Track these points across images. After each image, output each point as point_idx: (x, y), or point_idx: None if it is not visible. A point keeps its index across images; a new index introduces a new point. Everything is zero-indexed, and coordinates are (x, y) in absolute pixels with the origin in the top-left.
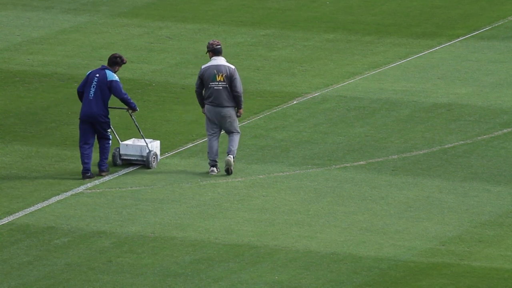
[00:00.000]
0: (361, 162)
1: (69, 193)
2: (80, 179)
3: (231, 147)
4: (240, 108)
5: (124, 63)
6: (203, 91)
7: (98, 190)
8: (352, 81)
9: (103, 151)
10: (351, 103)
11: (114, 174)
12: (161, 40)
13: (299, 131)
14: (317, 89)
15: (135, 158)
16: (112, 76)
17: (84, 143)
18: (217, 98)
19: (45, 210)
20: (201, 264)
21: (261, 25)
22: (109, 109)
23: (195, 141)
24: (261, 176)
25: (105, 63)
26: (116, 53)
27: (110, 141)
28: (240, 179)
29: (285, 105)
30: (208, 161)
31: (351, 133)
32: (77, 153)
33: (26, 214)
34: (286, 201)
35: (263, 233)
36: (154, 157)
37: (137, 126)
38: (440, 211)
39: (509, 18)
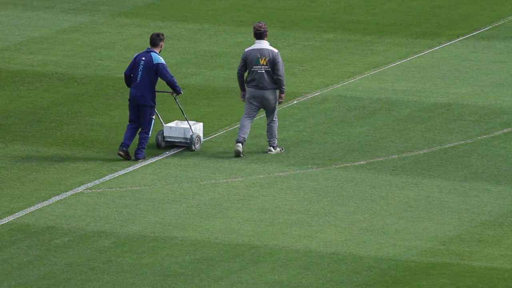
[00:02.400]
0: (361, 162)
1: (69, 193)
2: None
3: (270, 138)
4: (282, 93)
5: (164, 38)
6: (245, 74)
7: (98, 190)
8: (352, 81)
9: (141, 140)
10: (351, 103)
11: (114, 173)
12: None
13: (299, 131)
14: (317, 88)
15: (179, 140)
16: (158, 59)
17: (130, 122)
18: (260, 82)
19: (45, 210)
20: (201, 264)
21: None
22: (156, 93)
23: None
24: (261, 176)
25: (105, 63)
26: (154, 32)
27: (150, 131)
28: (240, 178)
29: (285, 105)
30: (237, 136)
31: (351, 133)
32: (77, 153)
33: (26, 214)
34: (286, 201)
35: (263, 233)
36: (197, 139)
37: (180, 109)
38: (440, 211)
39: (509, 18)
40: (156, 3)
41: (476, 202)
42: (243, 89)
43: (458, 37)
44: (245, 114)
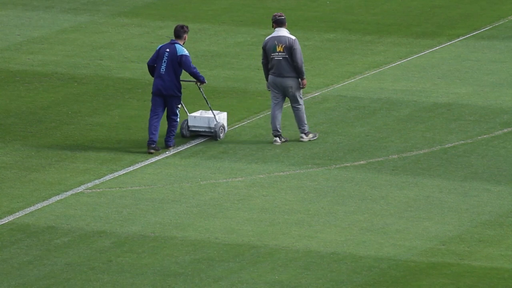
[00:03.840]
0: (361, 162)
1: (69, 193)
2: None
3: (299, 125)
4: (303, 79)
5: (189, 30)
6: (268, 63)
7: (98, 190)
8: (352, 80)
9: (171, 128)
10: (351, 102)
11: (114, 173)
12: (162, 39)
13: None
14: (317, 88)
15: (203, 130)
16: (182, 50)
17: (153, 115)
18: (278, 69)
19: (45, 209)
20: (201, 263)
21: (261, 24)
22: (181, 83)
23: (195, 141)
24: (261, 176)
25: (105, 63)
26: (178, 24)
27: (178, 119)
28: (240, 178)
29: (285, 104)
30: (271, 131)
31: (351, 132)
32: (77, 153)
33: (26, 214)
34: (286, 201)
35: (263, 232)
36: (221, 129)
37: (205, 98)
38: (440, 210)
39: (510, 17)
40: (156, 3)
41: (476, 202)
42: (267, 78)
43: (458, 37)
44: (272, 103)
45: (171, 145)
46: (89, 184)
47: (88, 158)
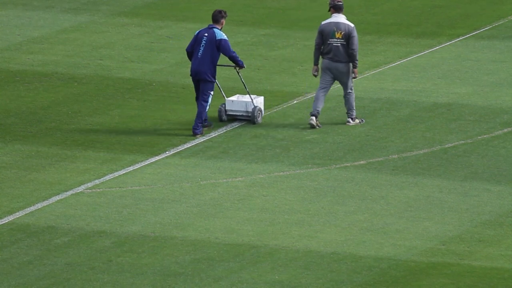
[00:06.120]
0: (361, 162)
1: (69, 193)
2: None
3: (348, 110)
4: (355, 67)
5: (227, 16)
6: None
7: (98, 190)
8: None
9: (199, 115)
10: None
11: (114, 173)
12: (162, 39)
13: (300, 130)
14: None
15: (240, 114)
16: (221, 35)
17: (196, 99)
18: (335, 55)
19: (45, 209)
20: (201, 263)
21: (261, 24)
22: (216, 67)
23: (195, 141)
24: (261, 176)
25: (105, 63)
26: (216, 9)
27: (208, 106)
28: (240, 178)
29: (285, 104)
30: (311, 110)
31: (351, 132)
32: (77, 153)
33: (26, 214)
34: (286, 201)
35: (263, 232)
36: (259, 113)
37: (243, 82)
38: (440, 210)
39: (509, 17)
40: (156, 2)
41: (476, 202)
42: (316, 62)
43: (458, 36)
44: (320, 86)
45: (199, 133)
46: (89, 184)
47: (88, 158)
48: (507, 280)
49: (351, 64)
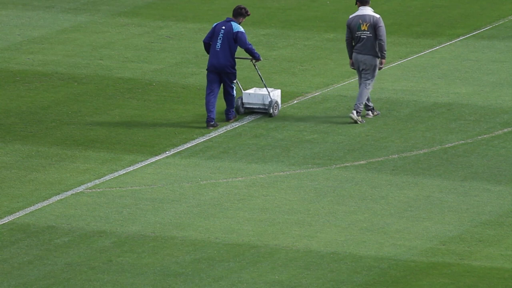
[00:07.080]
0: (362, 162)
1: (69, 193)
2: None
3: (357, 101)
4: (383, 58)
5: (248, 15)
6: (352, 42)
7: (98, 190)
8: (352, 80)
9: (229, 101)
10: (352, 102)
11: (114, 173)
12: (162, 39)
13: (300, 130)
14: (317, 88)
15: (257, 107)
16: (238, 27)
17: (210, 92)
18: (362, 47)
19: (45, 209)
20: (201, 263)
21: (261, 24)
22: (236, 59)
23: (195, 141)
24: (261, 176)
25: (105, 63)
26: (240, 5)
27: (235, 91)
28: (240, 178)
29: (285, 104)
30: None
31: (351, 132)
32: (77, 153)
33: (26, 214)
34: (286, 201)
35: (263, 232)
36: (275, 105)
37: (260, 75)
38: (440, 210)
39: (509, 17)
40: (156, 2)
41: (476, 202)
42: (351, 56)
43: (458, 36)
44: (359, 81)
45: (232, 117)
46: (89, 184)
47: (88, 158)
48: (507, 280)
49: (377, 57)
